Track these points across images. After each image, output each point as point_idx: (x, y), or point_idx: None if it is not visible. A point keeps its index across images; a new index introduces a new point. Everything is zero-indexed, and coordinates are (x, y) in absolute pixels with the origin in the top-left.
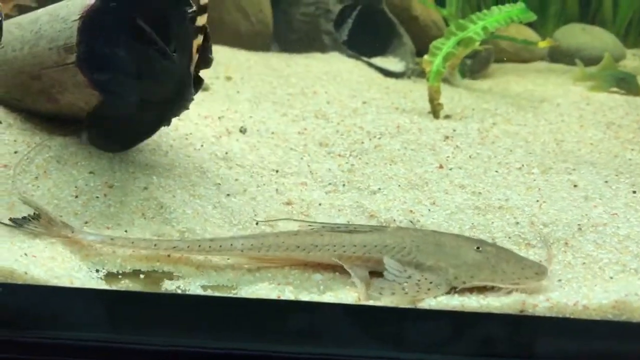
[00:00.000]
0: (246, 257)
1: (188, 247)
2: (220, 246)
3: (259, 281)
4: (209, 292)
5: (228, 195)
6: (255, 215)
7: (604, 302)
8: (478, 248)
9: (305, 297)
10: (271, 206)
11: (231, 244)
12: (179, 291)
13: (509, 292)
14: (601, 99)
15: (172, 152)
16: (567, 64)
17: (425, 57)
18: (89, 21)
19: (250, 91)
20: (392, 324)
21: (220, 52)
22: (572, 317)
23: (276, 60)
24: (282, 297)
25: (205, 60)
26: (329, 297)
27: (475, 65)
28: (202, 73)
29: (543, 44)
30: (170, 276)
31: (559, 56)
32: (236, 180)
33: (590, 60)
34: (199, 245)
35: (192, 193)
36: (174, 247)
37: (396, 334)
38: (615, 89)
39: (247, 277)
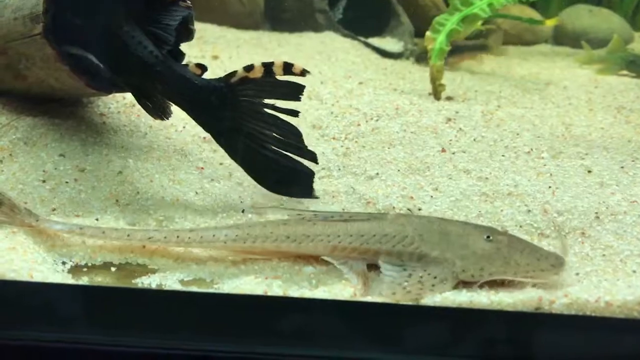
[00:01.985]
0: (230, 250)
1: (165, 237)
2: (202, 237)
3: (244, 275)
4: (187, 287)
5: (212, 180)
6: (241, 202)
7: (629, 299)
8: (488, 237)
9: (295, 292)
10: (259, 192)
11: (213, 235)
12: (154, 286)
13: (523, 287)
14: (610, 82)
15: (151, 133)
16: (573, 46)
17: (428, 33)
18: None
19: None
20: (391, 323)
21: (208, 31)
22: (594, 315)
23: (267, 39)
24: (269, 293)
25: (187, 32)
26: (321, 293)
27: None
28: (186, 49)
29: (550, 22)
30: (145, 269)
31: (564, 39)
32: (221, 164)
33: (597, 43)
34: (177, 236)
35: (172, 178)
36: (150, 238)
37: (396, 335)
38: (624, 72)
39: (231, 270)
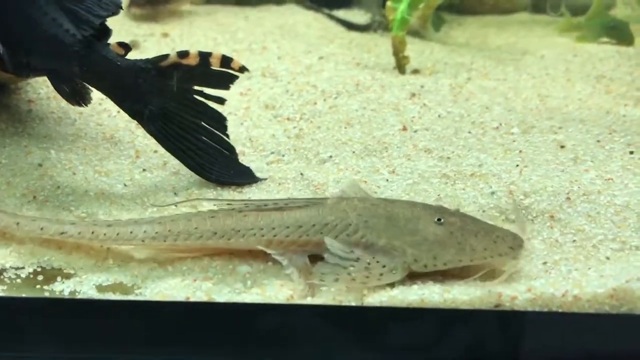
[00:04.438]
0: (151, 249)
1: (79, 233)
2: (118, 234)
3: (170, 277)
4: (103, 294)
5: (143, 170)
6: (175, 194)
7: (599, 292)
8: (439, 220)
9: (224, 296)
10: (196, 182)
11: (131, 232)
12: (67, 294)
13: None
14: (590, 50)
15: (80, 120)
16: (552, 14)
17: (389, 3)
18: None
19: (188, 49)
20: (332, 327)
21: (160, 7)
22: (560, 311)
23: (223, 14)
24: (194, 298)
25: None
26: (253, 296)
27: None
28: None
29: None
30: (60, 274)
31: (543, 6)
32: (155, 151)
33: (577, 10)
34: (92, 232)
35: (99, 169)
36: (63, 233)
37: (337, 340)
38: (605, 39)
39: (156, 272)
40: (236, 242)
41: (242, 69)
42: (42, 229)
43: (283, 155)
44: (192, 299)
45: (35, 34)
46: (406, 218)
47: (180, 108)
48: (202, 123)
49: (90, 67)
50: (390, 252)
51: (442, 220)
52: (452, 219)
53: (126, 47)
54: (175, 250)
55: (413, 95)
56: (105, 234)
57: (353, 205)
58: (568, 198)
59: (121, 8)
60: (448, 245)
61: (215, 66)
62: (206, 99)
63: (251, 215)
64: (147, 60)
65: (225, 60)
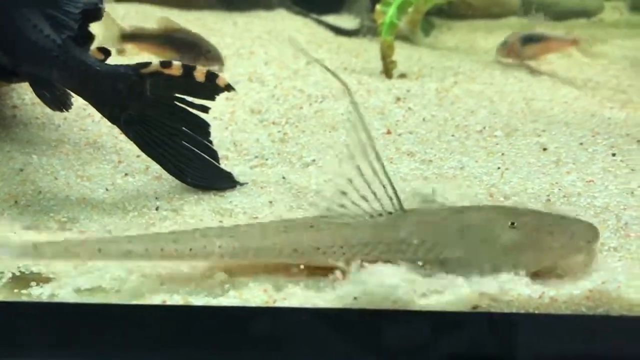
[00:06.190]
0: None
1: (146, 250)
2: (191, 249)
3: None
4: (81, 298)
5: (125, 174)
6: (156, 198)
7: (575, 293)
8: (513, 223)
9: (201, 300)
10: (178, 187)
11: (204, 246)
12: (45, 298)
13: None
14: (577, 53)
15: (64, 125)
16: (543, 19)
17: (378, 7)
18: None
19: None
20: (313, 330)
21: (147, 12)
22: (536, 312)
23: (212, 19)
24: (170, 301)
25: (95, 12)
26: (231, 300)
27: None
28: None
29: None
30: (39, 278)
31: (533, 10)
32: (138, 156)
33: (566, 14)
34: (162, 249)
35: (81, 174)
36: (126, 253)
37: (315, 343)
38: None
39: (135, 275)
40: (317, 259)
41: (229, 87)
42: (100, 250)
43: (267, 159)
44: (168, 302)
45: (16, 40)
46: (478, 227)
47: (161, 114)
48: (183, 129)
49: (69, 72)
50: (467, 266)
51: (515, 224)
52: (526, 218)
53: (106, 52)
54: (251, 266)
55: (398, 99)
56: (176, 250)
57: (422, 219)
58: (548, 200)
59: (102, 8)
60: (526, 249)
61: (200, 80)
62: (189, 106)
63: (324, 231)
64: (128, 66)
65: (210, 77)
